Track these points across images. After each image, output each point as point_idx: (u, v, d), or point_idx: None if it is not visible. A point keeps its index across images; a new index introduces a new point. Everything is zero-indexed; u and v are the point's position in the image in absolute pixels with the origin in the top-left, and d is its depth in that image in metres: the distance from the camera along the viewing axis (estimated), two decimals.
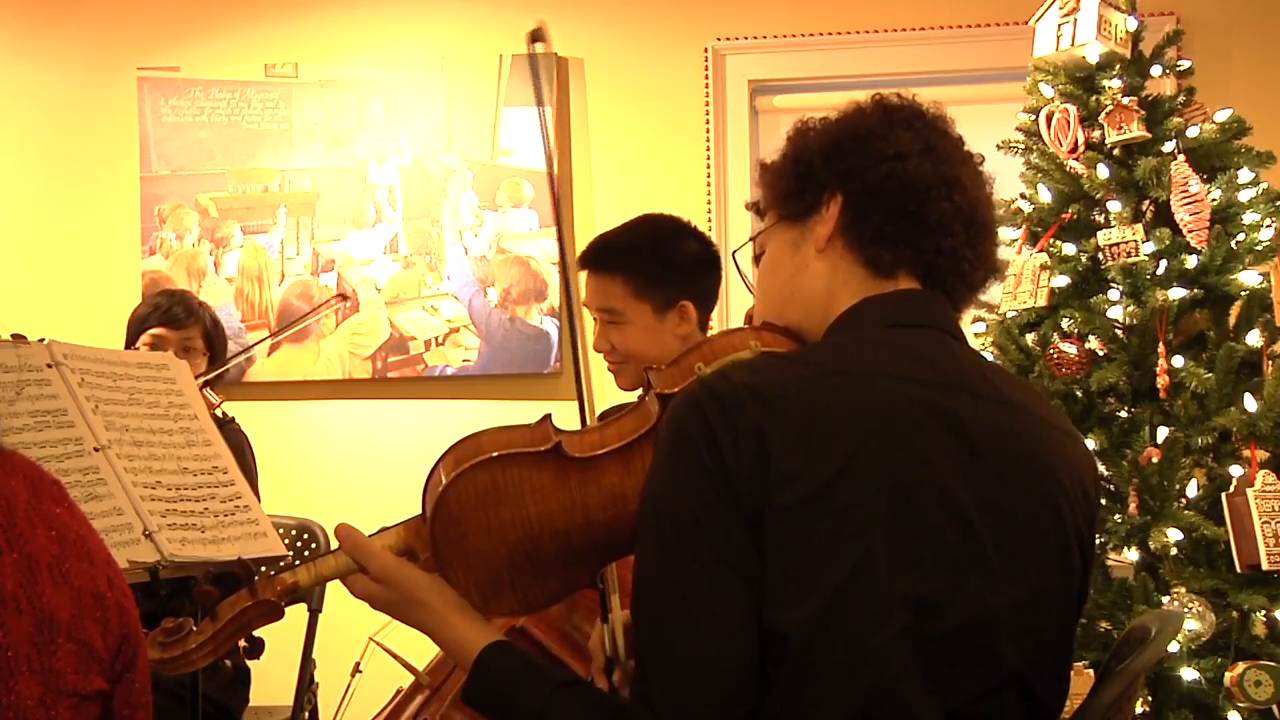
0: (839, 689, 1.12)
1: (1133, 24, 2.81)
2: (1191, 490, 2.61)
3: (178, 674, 1.34)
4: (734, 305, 3.71)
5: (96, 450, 1.73)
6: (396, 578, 1.32)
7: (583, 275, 2.28)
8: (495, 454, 1.29)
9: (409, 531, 1.35)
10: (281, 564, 2.94)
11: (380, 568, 1.32)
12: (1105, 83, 2.80)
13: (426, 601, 1.31)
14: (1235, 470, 2.59)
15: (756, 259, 1.42)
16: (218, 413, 2.85)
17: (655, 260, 2.22)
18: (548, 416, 1.36)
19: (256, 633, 1.44)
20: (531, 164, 3.82)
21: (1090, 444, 2.65)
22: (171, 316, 2.88)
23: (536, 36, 1.69)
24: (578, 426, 1.42)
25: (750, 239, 1.43)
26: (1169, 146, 2.75)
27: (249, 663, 2.84)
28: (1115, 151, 2.78)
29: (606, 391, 2.29)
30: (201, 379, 2.70)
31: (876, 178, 1.27)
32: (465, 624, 1.31)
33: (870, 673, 1.12)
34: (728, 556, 1.13)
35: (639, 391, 1.41)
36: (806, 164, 1.32)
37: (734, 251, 1.59)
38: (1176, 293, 2.67)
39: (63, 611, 1.00)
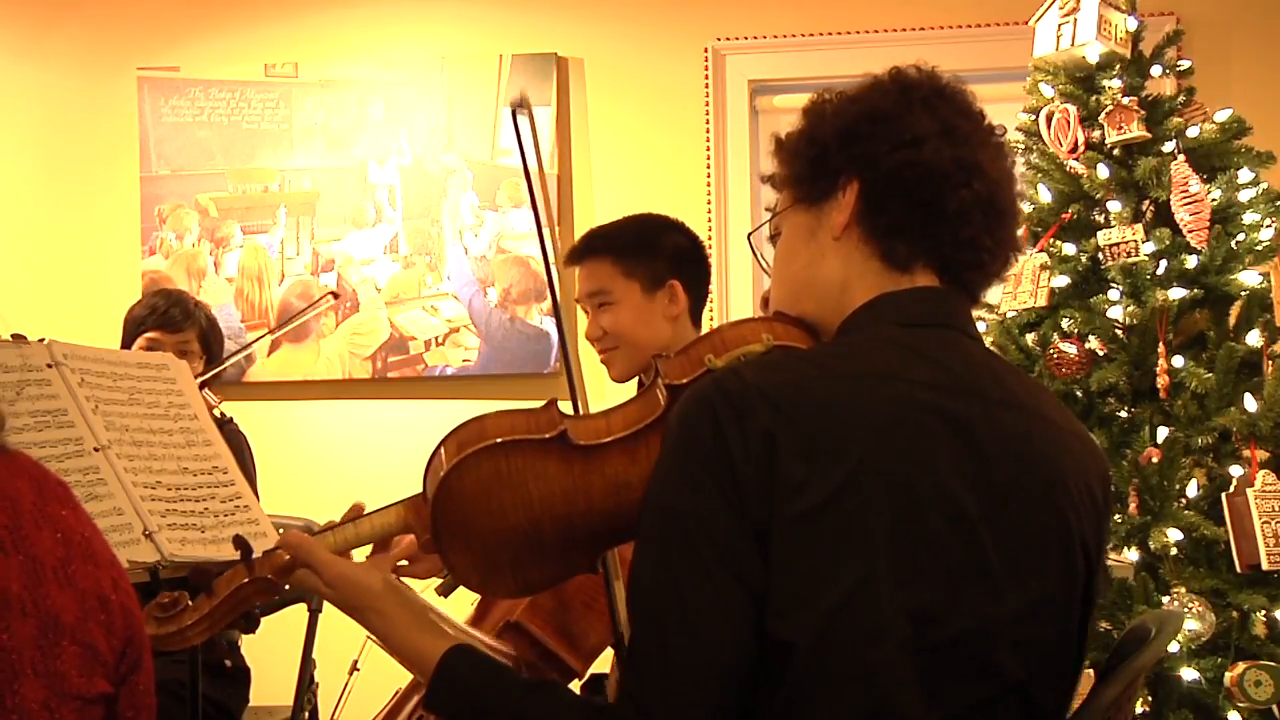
0: (840, 699, 1.12)
1: (1133, 24, 2.82)
2: (1191, 490, 2.61)
3: (173, 649, 1.32)
4: (735, 298, 3.71)
5: (96, 450, 1.73)
6: (346, 584, 1.30)
7: (576, 273, 2.30)
8: (499, 440, 1.28)
9: (409, 510, 1.35)
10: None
11: (333, 575, 1.30)
12: (1105, 83, 2.80)
13: (379, 607, 1.29)
14: (1235, 470, 2.59)
15: (773, 238, 1.40)
16: (215, 413, 2.84)
17: (641, 241, 2.26)
18: (553, 401, 1.34)
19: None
20: (532, 164, 3.81)
21: None
22: (168, 319, 2.87)
23: (518, 105, 1.70)
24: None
25: (768, 217, 1.41)
26: (1169, 146, 2.75)
27: (247, 664, 2.85)
28: (1115, 151, 2.78)
29: (606, 391, 2.29)
30: (199, 379, 2.70)
31: (892, 166, 1.25)
32: (419, 630, 1.29)
33: (871, 683, 1.12)
34: (729, 560, 1.12)
35: (637, 382, 1.40)
36: (821, 146, 1.29)
37: (750, 233, 1.57)
38: (1176, 293, 2.67)
39: (67, 614, 0.99)
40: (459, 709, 1.23)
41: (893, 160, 1.25)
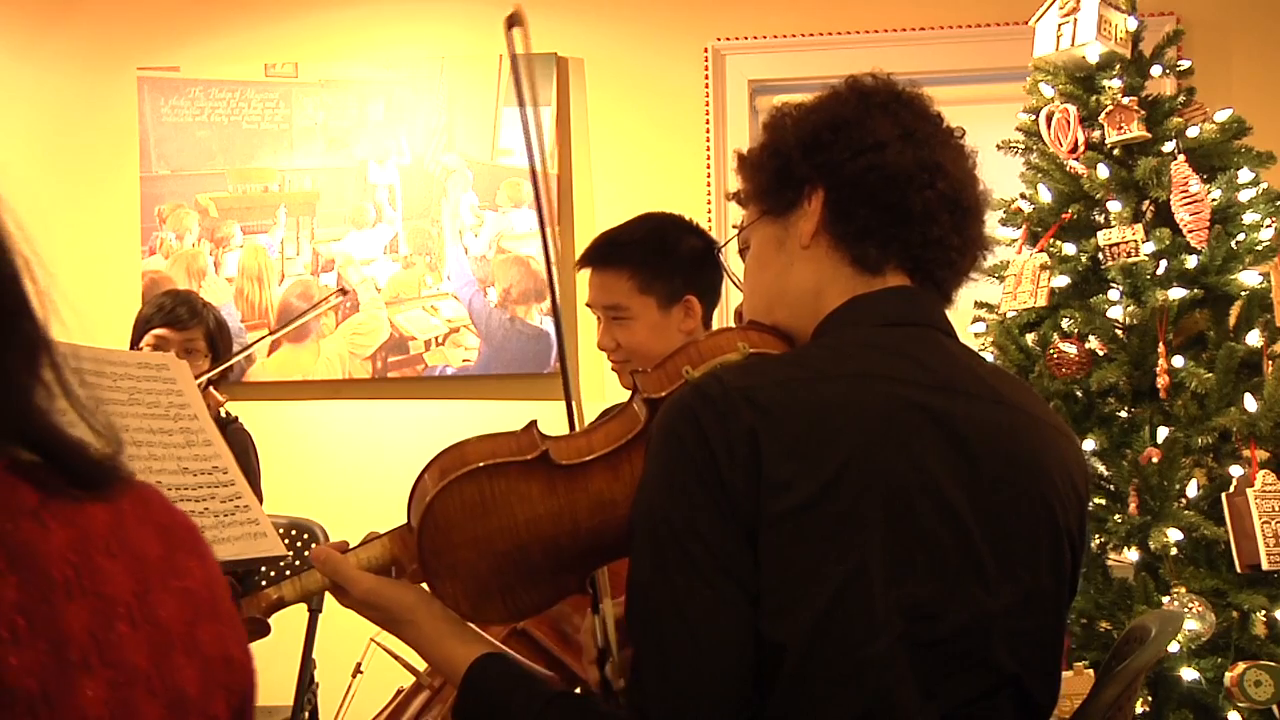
0: (837, 697, 1.12)
1: (1133, 24, 2.81)
2: (1191, 490, 2.61)
3: None
4: (734, 300, 3.71)
5: None
6: (377, 600, 1.30)
7: (584, 274, 2.27)
8: (481, 464, 1.27)
9: (395, 542, 1.34)
10: (281, 565, 2.94)
11: (363, 592, 1.30)
12: (1105, 83, 2.80)
13: (411, 620, 1.30)
14: (1235, 470, 2.59)
15: (742, 252, 1.41)
16: (221, 412, 2.85)
17: (659, 254, 2.21)
18: (533, 423, 1.34)
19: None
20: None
21: (1090, 444, 2.65)
22: (175, 317, 2.88)
23: (513, 22, 1.60)
24: (569, 427, 1.41)
25: (736, 232, 1.42)
26: (1169, 146, 2.75)
27: None
28: (1115, 151, 2.78)
29: (608, 390, 2.29)
30: (204, 378, 2.70)
31: (856, 170, 1.26)
32: (452, 639, 1.29)
33: (867, 681, 1.12)
34: (723, 564, 1.12)
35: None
36: (785, 157, 1.30)
37: (718, 248, 1.58)
38: (1176, 293, 2.66)
39: (193, 686, 0.88)
40: (484, 718, 1.24)
41: (856, 165, 1.26)
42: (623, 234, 2.26)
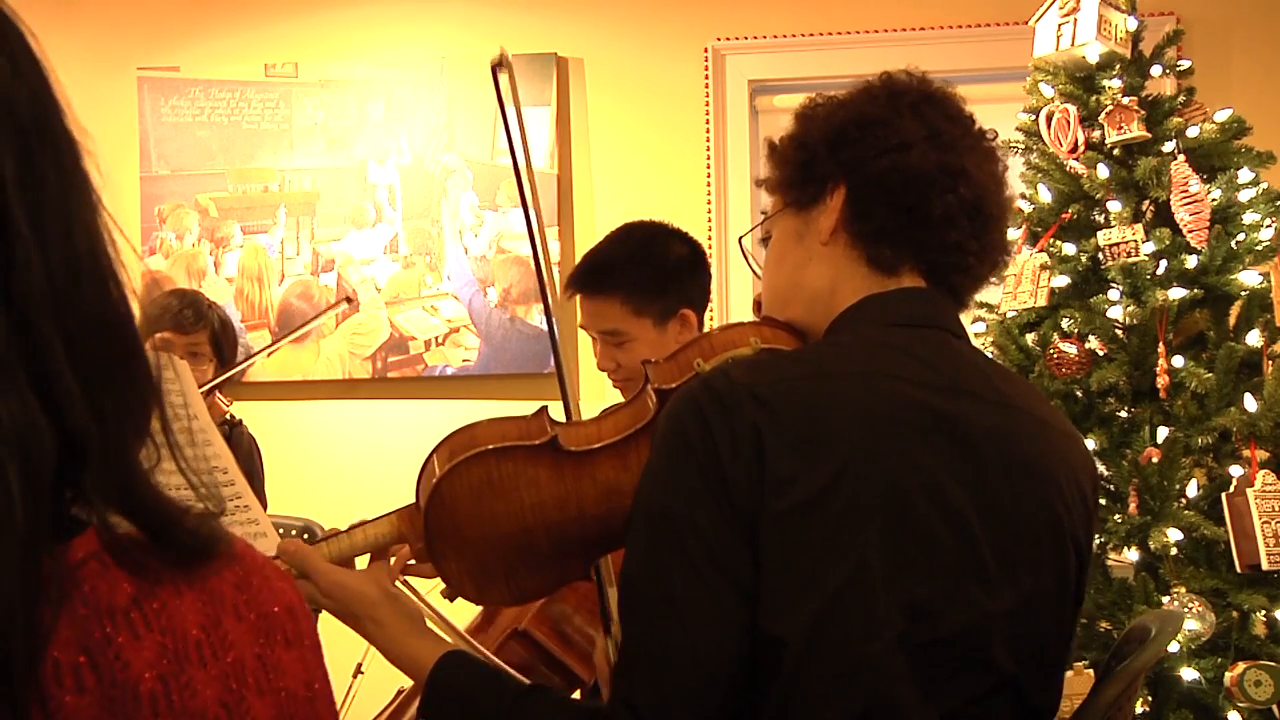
0: (835, 695, 1.12)
1: (1133, 24, 2.81)
2: (1191, 490, 2.61)
3: None
4: (734, 299, 3.71)
5: None
6: (342, 592, 1.31)
7: (577, 300, 2.23)
8: (490, 447, 1.29)
9: (402, 520, 1.35)
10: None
11: (328, 583, 1.31)
12: (1105, 83, 2.80)
13: (374, 615, 1.30)
14: (1235, 470, 2.59)
15: (764, 241, 1.42)
16: (227, 415, 2.84)
17: (648, 272, 2.16)
18: (544, 409, 1.35)
19: None
20: (532, 164, 3.81)
21: (1090, 444, 2.65)
22: (180, 320, 2.86)
23: (498, 64, 1.69)
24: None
25: (761, 221, 1.42)
26: (1169, 146, 2.75)
27: None
28: (1115, 151, 2.78)
29: (608, 391, 2.28)
30: (208, 386, 2.68)
31: (878, 170, 1.26)
32: (416, 636, 1.30)
33: (866, 679, 1.12)
34: (719, 558, 1.12)
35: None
36: (810, 151, 1.31)
37: (741, 237, 1.58)
38: (1176, 293, 2.66)
39: None
40: (452, 715, 1.24)
41: (879, 165, 1.26)
42: (609, 256, 2.20)
